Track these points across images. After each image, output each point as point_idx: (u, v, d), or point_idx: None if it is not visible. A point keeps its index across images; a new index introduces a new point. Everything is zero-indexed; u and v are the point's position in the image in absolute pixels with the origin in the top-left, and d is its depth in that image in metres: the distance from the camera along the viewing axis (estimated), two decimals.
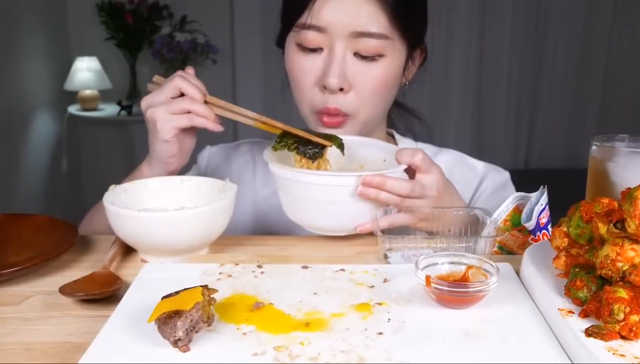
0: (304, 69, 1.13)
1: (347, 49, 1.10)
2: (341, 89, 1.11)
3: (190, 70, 1.08)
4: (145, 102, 1.06)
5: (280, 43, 1.21)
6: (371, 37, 1.08)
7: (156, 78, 1.10)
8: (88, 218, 1.21)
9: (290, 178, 0.99)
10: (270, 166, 1.02)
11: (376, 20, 1.08)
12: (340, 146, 1.08)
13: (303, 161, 1.07)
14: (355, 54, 1.10)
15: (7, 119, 3.40)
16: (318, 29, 1.09)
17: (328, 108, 1.12)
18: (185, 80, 1.04)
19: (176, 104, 1.03)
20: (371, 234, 0.98)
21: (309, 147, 1.05)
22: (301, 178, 0.98)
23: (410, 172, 1.00)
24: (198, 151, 1.39)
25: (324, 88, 1.11)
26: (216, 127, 1.05)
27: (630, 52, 4.32)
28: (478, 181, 1.29)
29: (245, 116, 1.07)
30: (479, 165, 1.32)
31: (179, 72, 1.05)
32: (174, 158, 1.08)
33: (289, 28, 1.14)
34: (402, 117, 1.35)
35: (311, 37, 1.10)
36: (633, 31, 4.28)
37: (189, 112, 1.03)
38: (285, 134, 1.06)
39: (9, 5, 3.37)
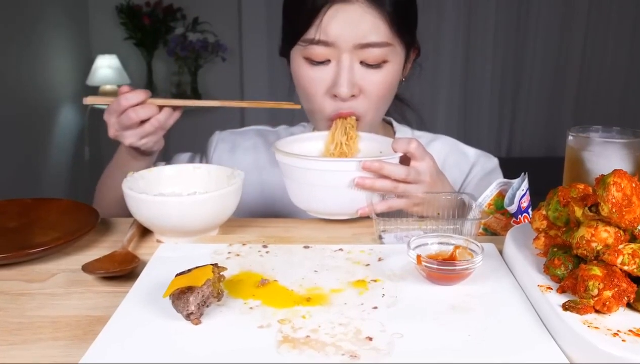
0: (314, 80, 1.12)
1: (353, 59, 1.08)
2: (352, 96, 1.10)
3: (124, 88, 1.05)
4: (112, 129, 1.05)
5: (284, 53, 1.19)
6: (375, 47, 1.07)
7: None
8: (96, 196, 1.23)
9: (295, 165, 0.99)
10: (277, 155, 1.01)
11: (378, 30, 1.07)
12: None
13: (334, 145, 1.10)
14: (361, 62, 1.09)
15: (35, 112, 3.40)
16: (326, 43, 1.07)
17: (341, 113, 1.11)
18: (127, 99, 1.02)
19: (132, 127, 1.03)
20: (368, 217, 0.98)
21: None
22: (305, 165, 0.98)
23: (406, 161, 0.99)
24: (208, 136, 1.39)
25: (334, 96, 1.10)
26: (171, 118, 1.06)
27: (603, 50, 4.30)
28: (469, 167, 1.29)
29: (207, 105, 1.10)
30: (471, 151, 1.31)
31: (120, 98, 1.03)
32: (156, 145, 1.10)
33: (294, 42, 1.12)
34: (397, 107, 1.34)
35: (319, 52, 1.09)
36: (606, 31, 4.27)
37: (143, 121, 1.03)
38: None
39: (36, 10, 3.36)
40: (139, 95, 1.02)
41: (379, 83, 1.11)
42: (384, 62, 1.10)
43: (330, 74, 1.10)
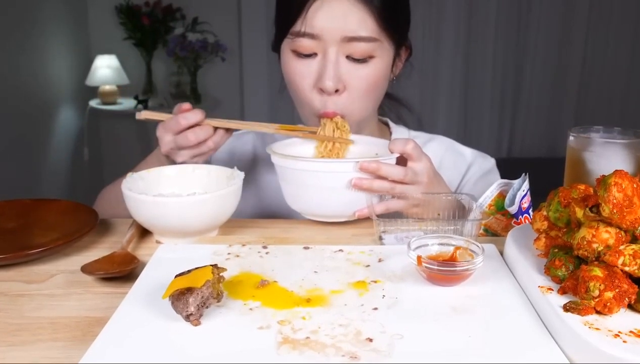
0: (301, 73, 1.12)
1: (339, 53, 1.08)
2: (336, 91, 1.10)
3: (185, 106, 1.06)
4: (166, 147, 1.06)
5: (276, 48, 1.20)
6: (361, 41, 1.07)
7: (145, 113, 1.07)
8: (103, 198, 1.22)
9: (290, 167, 0.99)
10: (272, 157, 1.01)
11: (365, 25, 1.07)
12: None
13: (322, 148, 1.10)
14: (348, 57, 1.09)
15: (34, 112, 3.40)
16: (311, 35, 1.07)
17: (327, 112, 1.11)
18: (186, 119, 1.03)
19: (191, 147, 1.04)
20: (367, 218, 0.98)
21: None
22: (301, 166, 0.97)
23: (402, 162, 0.99)
24: None
25: (321, 90, 1.10)
26: (223, 139, 1.07)
27: (604, 50, 4.30)
28: (466, 167, 1.29)
29: (263, 127, 1.09)
30: (468, 152, 1.31)
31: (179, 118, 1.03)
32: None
33: (284, 35, 1.13)
34: (393, 107, 1.34)
35: (305, 44, 1.09)
36: (607, 31, 4.26)
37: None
38: None
39: (35, 9, 3.36)
40: (197, 115, 1.03)
41: (365, 78, 1.11)
42: (371, 57, 1.10)
43: (316, 68, 1.10)
